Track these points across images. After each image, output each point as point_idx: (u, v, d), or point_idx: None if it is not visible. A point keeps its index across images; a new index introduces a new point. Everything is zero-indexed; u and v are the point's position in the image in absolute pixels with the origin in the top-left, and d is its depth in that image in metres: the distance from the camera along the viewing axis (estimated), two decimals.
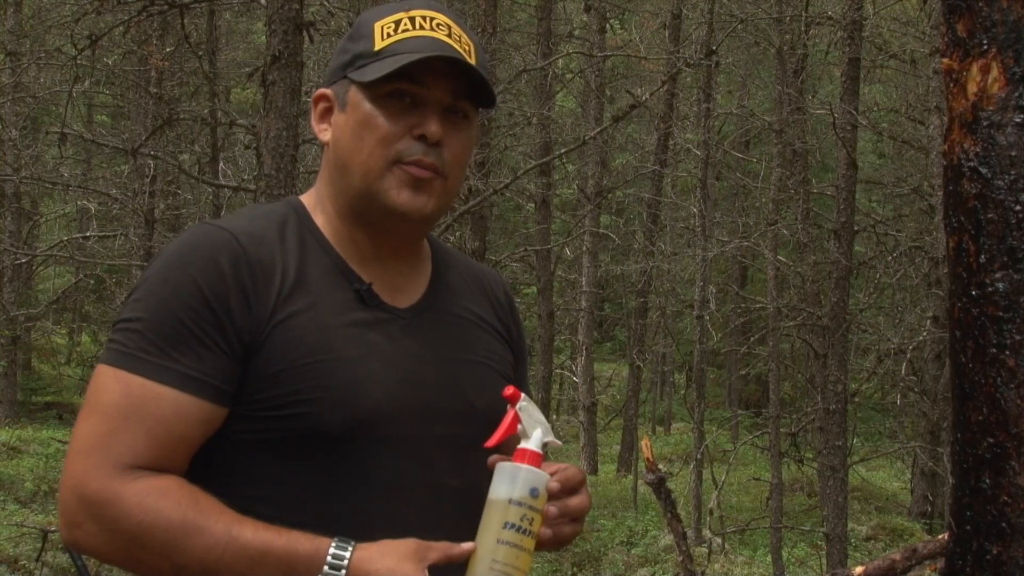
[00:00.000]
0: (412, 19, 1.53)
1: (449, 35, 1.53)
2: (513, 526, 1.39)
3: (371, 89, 1.51)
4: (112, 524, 1.38)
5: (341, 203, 1.56)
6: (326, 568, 1.36)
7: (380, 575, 1.35)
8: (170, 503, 1.38)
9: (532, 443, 1.45)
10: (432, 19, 1.54)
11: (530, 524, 1.40)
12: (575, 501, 1.48)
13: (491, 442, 1.47)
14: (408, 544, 1.39)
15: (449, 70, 1.51)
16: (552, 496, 1.44)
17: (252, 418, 1.46)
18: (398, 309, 1.56)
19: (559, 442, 1.50)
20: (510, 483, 1.41)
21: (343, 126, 1.54)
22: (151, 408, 1.41)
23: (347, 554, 1.36)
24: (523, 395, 1.49)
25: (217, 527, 1.37)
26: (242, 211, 1.63)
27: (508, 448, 1.50)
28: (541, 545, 1.45)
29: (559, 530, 1.46)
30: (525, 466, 1.43)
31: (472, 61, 1.53)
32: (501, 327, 1.69)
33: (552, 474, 1.46)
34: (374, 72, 1.50)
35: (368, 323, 1.52)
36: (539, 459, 1.45)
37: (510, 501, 1.40)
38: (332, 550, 1.36)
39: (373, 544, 1.38)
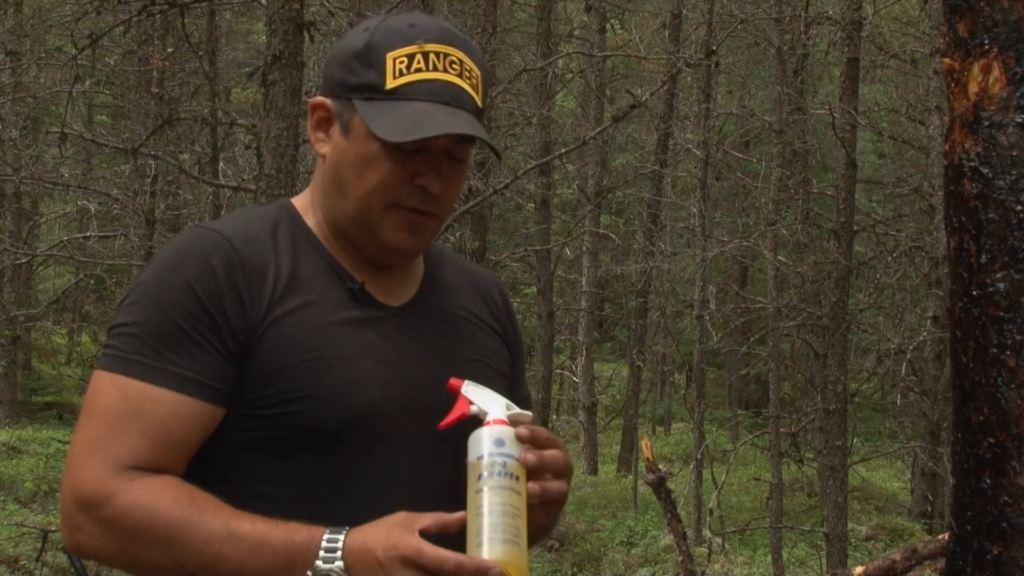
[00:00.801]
0: (425, 56, 1.51)
1: (460, 74, 1.52)
2: (488, 473, 1.37)
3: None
4: (111, 524, 1.39)
5: (331, 220, 1.57)
6: (322, 552, 1.36)
7: (373, 544, 1.35)
8: (167, 500, 1.39)
9: (495, 413, 1.44)
10: (446, 56, 1.52)
11: (504, 468, 1.38)
12: (550, 453, 1.45)
13: (443, 424, 1.46)
14: (398, 515, 1.39)
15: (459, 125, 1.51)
16: (522, 440, 1.42)
17: (248, 417, 1.47)
18: (391, 307, 1.57)
19: (528, 414, 1.48)
20: (474, 445, 1.41)
21: (344, 151, 1.54)
22: (148, 410, 1.42)
23: (341, 537, 1.37)
24: (465, 381, 1.49)
25: (215, 522, 1.38)
26: (235, 213, 1.64)
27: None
28: (532, 507, 1.41)
29: (546, 485, 1.43)
30: (485, 427, 1.42)
31: (478, 97, 1.54)
32: (497, 325, 1.70)
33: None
34: (390, 129, 1.47)
35: (362, 321, 1.53)
36: (503, 424, 1.44)
37: (478, 457, 1.39)
38: (327, 535, 1.37)
39: (365, 524, 1.39)
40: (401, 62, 1.51)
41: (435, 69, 1.51)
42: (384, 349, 1.53)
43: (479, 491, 1.37)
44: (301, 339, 1.47)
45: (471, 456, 1.41)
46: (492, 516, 1.35)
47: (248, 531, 1.38)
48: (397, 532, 1.36)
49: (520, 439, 1.42)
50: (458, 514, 1.38)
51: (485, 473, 1.38)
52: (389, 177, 1.50)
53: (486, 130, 1.57)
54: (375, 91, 1.51)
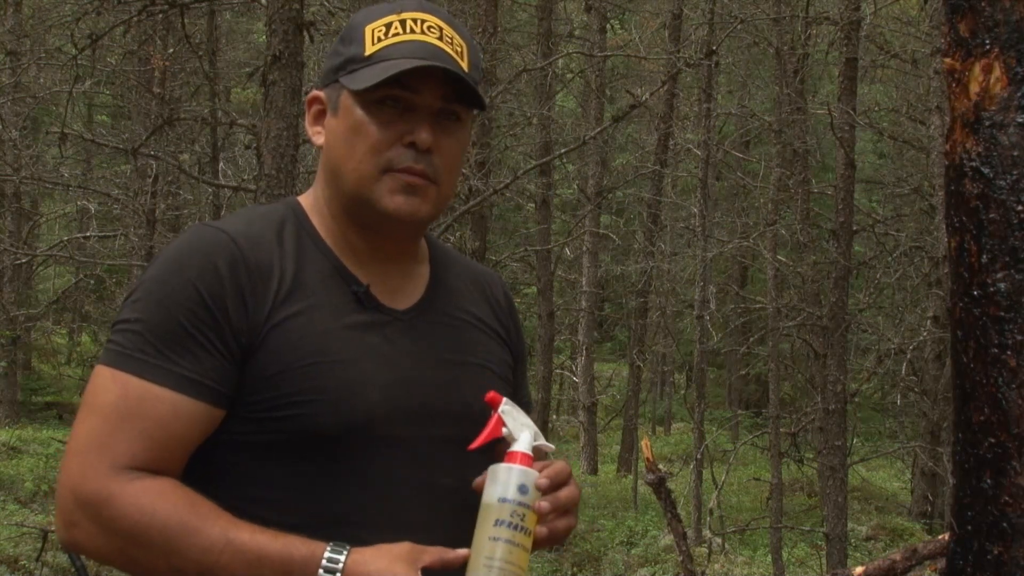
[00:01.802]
0: (403, 22, 1.52)
1: (440, 37, 1.53)
2: (506, 523, 1.40)
3: (362, 95, 1.51)
4: (109, 524, 1.39)
5: (335, 206, 1.57)
6: (321, 572, 1.36)
7: (375, 573, 1.35)
8: (167, 504, 1.39)
9: (521, 445, 1.46)
10: (423, 22, 1.53)
11: (522, 520, 1.41)
12: (564, 493, 1.48)
13: (474, 445, 1.48)
14: (402, 547, 1.39)
15: (439, 75, 1.51)
16: (542, 491, 1.44)
17: (250, 420, 1.46)
18: (396, 311, 1.56)
19: (551, 446, 1.50)
20: (500, 483, 1.42)
21: (335, 131, 1.55)
22: (148, 409, 1.42)
23: (342, 558, 1.36)
24: (504, 399, 1.50)
25: (214, 530, 1.38)
26: (240, 212, 1.63)
27: (500, 453, 1.51)
28: (538, 544, 1.45)
29: (553, 526, 1.46)
30: (513, 465, 1.44)
31: (464, 63, 1.53)
32: (500, 328, 1.69)
33: (539, 471, 1.46)
34: (364, 79, 1.50)
35: (366, 325, 1.52)
36: (529, 460, 1.45)
37: (500, 500, 1.41)
38: (327, 554, 1.36)
39: (368, 548, 1.39)
40: (379, 30, 1.53)
41: (412, 32, 1.52)
42: (387, 353, 1.52)
43: (493, 539, 1.39)
44: (304, 342, 1.47)
45: (492, 494, 1.42)
46: (491, 573, 1.37)
47: (247, 542, 1.37)
48: (401, 567, 1.36)
49: (540, 489, 1.44)
50: (461, 552, 1.40)
51: (503, 522, 1.40)
52: (378, 140, 1.50)
53: (482, 97, 1.56)
54: (356, 61, 1.52)
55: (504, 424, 1.48)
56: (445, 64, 1.50)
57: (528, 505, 1.41)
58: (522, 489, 1.41)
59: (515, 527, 1.40)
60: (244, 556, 1.36)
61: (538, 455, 1.48)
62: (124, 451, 1.41)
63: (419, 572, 1.36)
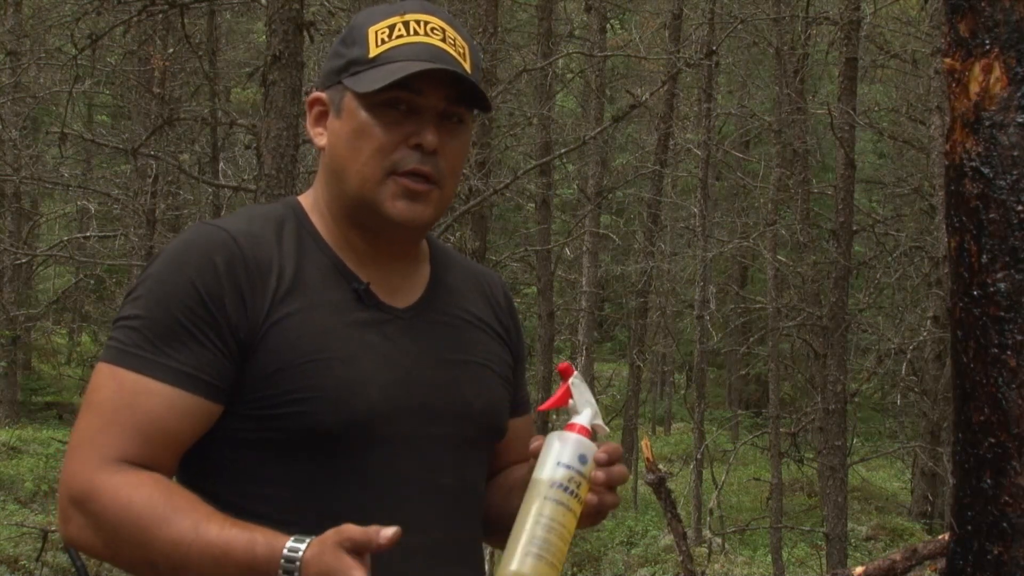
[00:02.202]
0: (406, 24, 1.53)
1: (443, 39, 1.53)
2: (562, 486, 1.42)
3: (367, 97, 1.51)
4: (94, 518, 1.39)
5: (337, 207, 1.57)
6: (282, 562, 1.33)
7: (310, 558, 1.31)
8: (142, 496, 1.38)
9: (583, 418, 1.48)
10: (426, 23, 1.53)
11: (577, 487, 1.43)
12: (617, 469, 1.49)
13: (543, 407, 1.52)
14: (331, 532, 1.32)
15: (444, 77, 1.51)
16: (600, 464, 1.45)
17: (249, 417, 1.47)
18: (396, 309, 1.56)
19: (607, 428, 1.52)
20: (560, 447, 1.44)
21: (338, 133, 1.54)
22: (142, 403, 1.42)
23: (302, 548, 1.33)
24: (576, 372, 1.52)
25: (184, 523, 1.37)
26: (241, 211, 1.64)
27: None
28: (586, 514, 1.45)
29: (603, 498, 1.47)
30: (576, 434, 1.46)
31: (466, 64, 1.53)
32: (500, 328, 1.69)
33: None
34: (370, 82, 1.50)
35: (366, 323, 1.52)
36: (588, 433, 1.47)
37: (559, 463, 1.43)
38: (288, 546, 1.34)
39: (318, 537, 1.34)
40: (383, 32, 1.53)
41: (416, 34, 1.52)
42: (387, 351, 1.52)
43: (545, 498, 1.40)
44: (303, 340, 1.47)
45: (555, 459, 1.43)
46: (537, 528, 1.38)
47: (214, 538, 1.36)
48: (329, 553, 1.31)
49: (598, 462, 1.45)
50: (390, 530, 1.30)
51: (558, 484, 1.42)
52: (383, 142, 1.50)
53: (487, 99, 1.56)
54: (360, 63, 1.52)
55: (571, 396, 1.50)
56: (450, 66, 1.50)
57: (584, 475, 1.44)
58: (582, 459, 1.44)
59: (570, 492, 1.42)
60: (211, 551, 1.35)
61: (596, 433, 1.50)
62: (114, 444, 1.41)
63: (340, 550, 1.30)
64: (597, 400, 1.54)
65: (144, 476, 1.41)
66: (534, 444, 1.48)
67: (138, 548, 1.38)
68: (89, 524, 1.40)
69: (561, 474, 1.42)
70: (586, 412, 1.49)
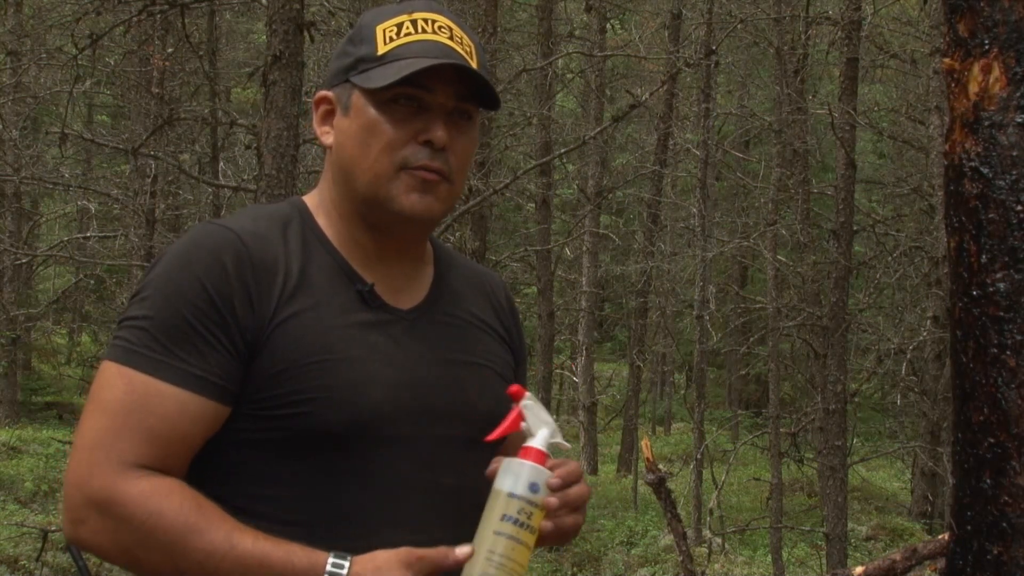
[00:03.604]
0: (414, 22, 1.53)
1: (451, 38, 1.53)
2: (511, 519, 1.40)
3: (376, 94, 1.51)
4: (116, 523, 1.39)
5: (345, 206, 1.57)
6: None
7: None
8: (173, 505, 1.39)
9: (537, 441, 1.46)
10: (434, 22, 1.54)
11: (528, 518, 1.41)
12: (574, 491, 1.48)
13: (491, 436, 1.48)
14: (400, 552, 1.38)
15: (453, 74, 1.51)
16: (553, 491, 1.44)
17: (254, 417, 1.47)
18: (400, 310, 1.57)
19: (567, 444, 1.51)
20: (512, 478, 1.43)
21: (347, 131, 1.55)
22: (154, 406, 1.42)
23: (346, 565, 1.36)
24: (528, 394, 1.50)
25: (218, 534, 1.38)
26: (245, 210, 1.64)
27: (514, 448, 1.51)
28: (544, 539, 1.45)
29: (560, 521, 1.46)
30: (527, 462, 1.44)
31: (473, 63, 1.54)
32: (502, 329, 1.70)
33: (552, 469, 1.47)
34: (380, 78, 1.50)
35: (370, 324, 1.52)
36: (543, 457, 1.45)
37: (510, 495, 1.41)
38: (329, 567, 1.36)
39: (366, 556, 1.38)
40: (391, 31, 1.53)
41: (424, 32, 1.53)
42: (391, 352, 1.52)
43: (497, 533, 1.40)
44: (308, 341, 1.47)
45: (503, 486, 1.43)
46: (490, 568, 1.38)
47: (249, 549, 1.37)
48: (400, 573, 1.36)
49: (551, 488, 1.44)
50: (460, 552, 1.39)
51: (509, 518, 1.41)
52: (393, 138, 1.51)
53: (497, 95, 1.56)
54: (368, 61, 1.53)
55: (524, 419, 1.48)
56: (459, 63, 1.51)
57: (536, 504, 1.42)
58: (532, 487, 1.42)
59: (520, 524, 1.40)
60: (245, 562, 1.36)
61: (554, 452, 1.48)
62: (130, 449, 1.41)
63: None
64: (553, 414, 1.53)
65: (172, 484, 1.41)
66: (490, 468, 1.47)
67: (168, 557, 1.38)
68: (109, 528, 1.39)
69: (513, 507, 1.41)
70: (541, 433, 1.47)
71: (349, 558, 1.37)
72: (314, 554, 1.37)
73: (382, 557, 1.38)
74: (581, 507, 1.51)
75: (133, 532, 1.38)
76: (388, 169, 1.51)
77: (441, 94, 1.51)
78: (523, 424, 1.48)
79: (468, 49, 1.54)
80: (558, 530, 1.46)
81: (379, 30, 1.54)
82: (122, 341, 1.46)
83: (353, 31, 1.58)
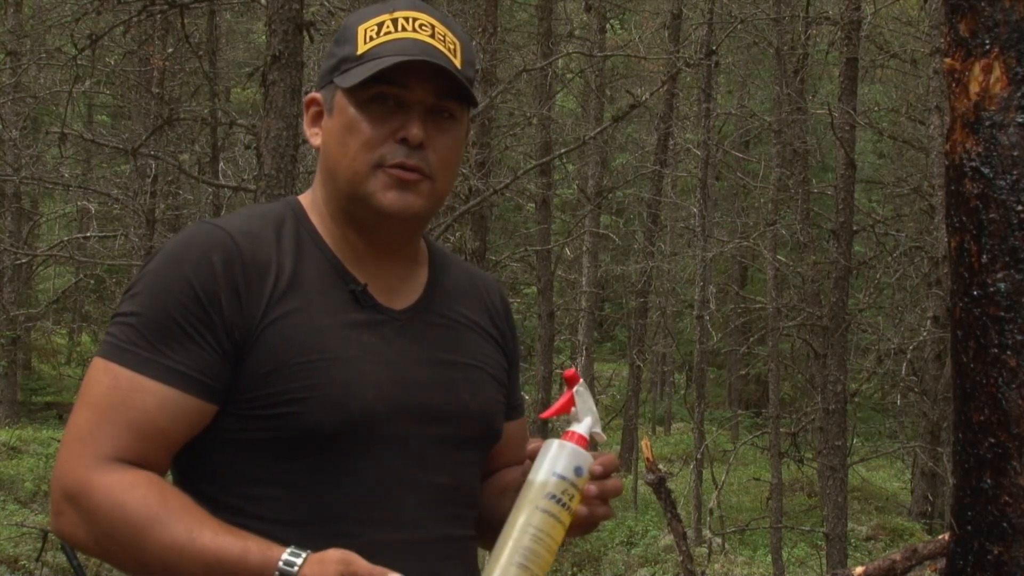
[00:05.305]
0: (395, 21, 1.53)
1: (432, 35, 1.53)
2: (554, 497, 1.43)
3: (354, 94, 1.52)
4: (87, 516, 1.40)
5: (333, 205, 1.58)
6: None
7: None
8: (136, 497, 1.39)
9: (582, 428, 1.49)
10: (415, 20, 1.54)
11: (570, 500, 1.44)
12: (611, 482, 1.50)
13: (545, 414, 1.53)
14: (347, 553, 1.35)
15: (431, 71, 1.51)
16: (594, 477, 1.47)
17: (245, 417, 1.47)
18: (393, 311, 1.57)
19: (604, 436, 1.53)
20: (558, 457, 1.45)
21: (331, 130, 1.56)
22: (136, 401, 1.43)
23: (295, 569, 1.34)
24: (581, 380, 1.52)
25: (179, 526, 1.37)
26: (241, 211, 1.64)
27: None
28: (574, 525, 1.47)
29: (594, 510, 1.48)
30: (574, 445, 1.47)
31: (456, 60, 1.53)
32: (495, 332, 1.70)
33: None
34: (354, 77, 1.51)
35: (362, 324, 1.53)
36: (585, 443, 1.48)
37: (553, 472, 1.44)
38: (281, 564, 1.34)
39: (319, 553, 1.35)
40: (371, 30, 1.54)
41: (404, 30, 1.53)
42: (383, 352, 1.52)
43: (535, 507, 1.42)
44: (300, 340, 1.47)
45: (548, 467, 1.45)
46: (524, 538, 1.40)
47: (207, 544, 1.36)
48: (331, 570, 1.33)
49: (593, 475, 1.46)
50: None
51: (551, 495, 1.43)
52: (370, 136, 1.51)
53: (473, 94, 1.56)
54: (349, 61, 1.54)
55: (575, 404, 1.50)
56: (435, 60, 1.50)
57: (578, 486, 1.45)
58: (577, 470, 1.45)
59: (561, 503, 1.43)
60: (203, 557, 1.36)
61: (594, 443, 1.51)
62: (109, 442, 1.42)
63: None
64: (597, 404, 1.55)
65: (139, 476, 1.41)
66: (531, 447, 1.49)
67: (131, 550, 1.39)
68: (82, 521, 1.41)
69: (554, 484, 1.43)
70: (586, 420, 1.50)
71: (305, 555, 1.35)
72: (270, 548, 1.36)
73: (330, 554, 1.35)
74: (610, 499, 1.53)
75: (99, 524, 1.39)
76: (365, 167, 1.52)
77: (418, 91, 1.51)
78: (573, 408, 1.50)
79: (452, 47, 1.54)
80: (591, 516, 1.48)
81: (360, 30, 1.54)
82: (111, 338, 1.47)
83: (338, 32, 1.59)
